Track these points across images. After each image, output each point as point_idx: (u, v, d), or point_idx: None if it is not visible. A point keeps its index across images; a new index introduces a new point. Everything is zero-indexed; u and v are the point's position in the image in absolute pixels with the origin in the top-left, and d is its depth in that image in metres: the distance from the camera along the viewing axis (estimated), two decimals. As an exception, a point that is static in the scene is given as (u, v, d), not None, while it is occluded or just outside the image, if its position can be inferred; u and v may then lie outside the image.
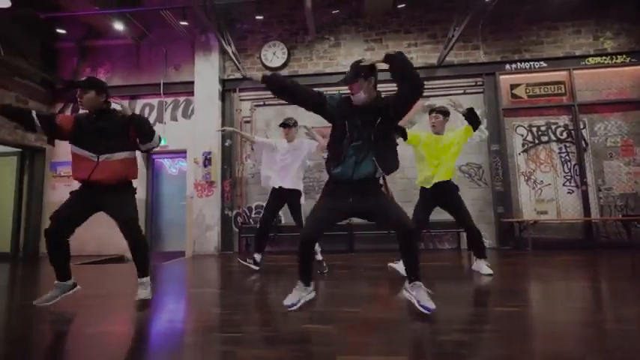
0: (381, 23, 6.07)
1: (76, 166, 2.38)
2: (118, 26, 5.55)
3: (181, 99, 6.25)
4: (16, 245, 6.00)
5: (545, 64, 5.68)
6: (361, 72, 1.98)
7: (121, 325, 2.14)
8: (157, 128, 6.17)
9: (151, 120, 6.28)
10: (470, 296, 2.53)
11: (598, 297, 2.52)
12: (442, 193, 3.21)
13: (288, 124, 3.74)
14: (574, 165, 5.48)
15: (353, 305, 2.29)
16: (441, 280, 3.04)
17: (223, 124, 6.05)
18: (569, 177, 5.48)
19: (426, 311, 1.86)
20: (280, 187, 3.57)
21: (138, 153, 2.59)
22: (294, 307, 2.03)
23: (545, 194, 5.50)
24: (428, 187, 3.22)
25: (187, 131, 6.06)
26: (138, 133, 2.40)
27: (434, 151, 3.22)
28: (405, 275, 2.13)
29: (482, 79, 5.78)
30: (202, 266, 4.57)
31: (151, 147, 2.49)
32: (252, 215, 5.94)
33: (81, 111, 2.57)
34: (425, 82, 6.33)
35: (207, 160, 5.73)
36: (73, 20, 5.89)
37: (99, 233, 5.96)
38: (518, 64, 5.72)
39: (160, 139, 2.53)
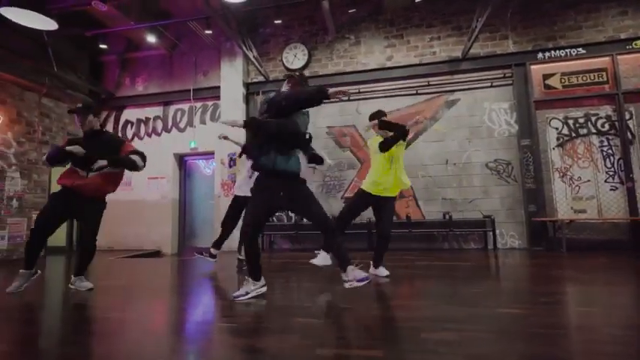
0: (402, 18, 5.97)
1: (66, 175, 2.65)
2: (152, 39, 6.01)
3: (209, 103, 6.61)
4: (70, 239, 6.72)
5: (583, 51, 5.24)
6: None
7: (131, 313, 2.36)
8: (188, 132, 6.65)
9: (182, 124, 6.71)
10: (478, 296, 2.45)
11: (619, 301, 2.32)
12: (384, 204, 3.07)
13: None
14: (618, 159, 5.00)
15: (348, 302, 2.33)
16: (454, 280, 2.97)
17: (248, 126, 6.30)
18: (612, 172, 5.01)
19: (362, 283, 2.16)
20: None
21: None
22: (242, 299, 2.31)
23: (584, 191, 5.08)
24: (374, 193, 3.02)
25: (215, 134, 6.38)
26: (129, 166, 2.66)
27: (388, 156, 3.03)
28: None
29: (512, 70, 5.46)
30: (225, 262, 4.83)
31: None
32: (275, 214, 6.13)
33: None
34: (449, 77, 6.12)
35: (232, 161, 6.01)
36: (114, 36, 6.47)
37: (138, 230, 6.52)
38: (552, 52, 5.33)
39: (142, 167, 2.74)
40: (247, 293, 2.31)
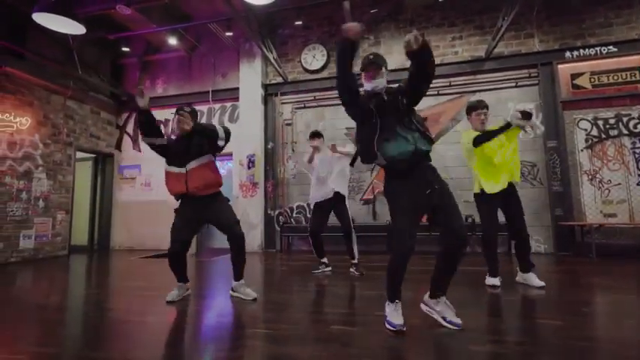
0: (423, 18, 5.87)
1: (171, 184, 2.63)
2: (172, 41, 6.07)
3: (228, 104, 6.64)
4: (92, 239, 6.86)
5: (614, 49, 5.04)
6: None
7: (164, 316, 2.36)
8: (207, 133, 6.68)
9: (202, 125, 6.76)
10: (514, 305, 2.37)
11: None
12: (506, 196, 2.96)
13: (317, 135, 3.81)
14: (651, 162, 4.80)
15: (381, 309, 2.28)
16: (485, 287, 2.88)
17: (266, 128, 6.32)
18: (645, 175, 4.82)
19: (454, 327, 1.83)
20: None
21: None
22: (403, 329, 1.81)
23: (614, 195, 4.89)
24: (493, 192, 2.91)
25: (233, 135, 6.38)
26: (207, 137, 2.59)
27: (494, 147, 2.89)
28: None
29: (537, 69, 5.31)
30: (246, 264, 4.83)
31: (222, 141, 2.62)
32: (294, 215, 6.12)
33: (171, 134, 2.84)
34: (472, 77, 5.95)
35: (251, 162, 6.02)
36: (134, 38, 6.56)
37: (158, 230, 6.60)
38: (581, 50, 5.15)
39: (223, 132, 2.64)
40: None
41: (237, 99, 6.39)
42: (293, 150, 6.20)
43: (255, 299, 2.58)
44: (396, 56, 5.92)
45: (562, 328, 1.85)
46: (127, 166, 7.01)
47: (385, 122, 1.91)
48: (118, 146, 7.07)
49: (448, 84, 5.62)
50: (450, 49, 5.71)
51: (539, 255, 4.94)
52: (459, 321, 1.84)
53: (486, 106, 3.00)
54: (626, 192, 4.87)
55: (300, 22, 5.73)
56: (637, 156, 4.87)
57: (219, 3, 5.60)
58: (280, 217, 6.13)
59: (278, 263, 4.78)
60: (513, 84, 5.41)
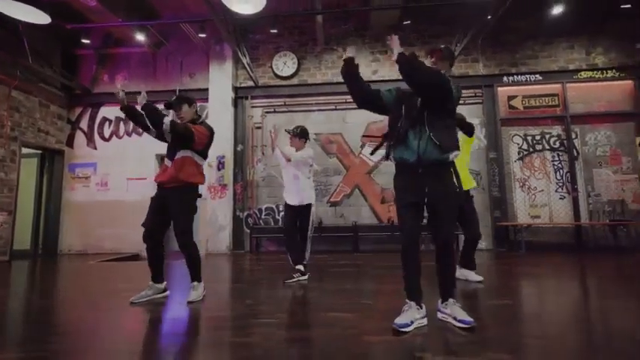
0: (387, 35, 6.39)
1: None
2: (138, 36, 5.84)
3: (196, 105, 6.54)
4: (36, 242, 6.28)
5: (540, 77, 6.04)
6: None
7: (144, 314, 2.44)
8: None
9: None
10: (467, 292, 2.86)
11: (580, 292, 2.87)
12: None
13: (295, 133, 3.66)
14: (566, 172, 5.84)
15: (366, 298, 2.62)
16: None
17: (236, 130, 6.37)
18: (561, 184, 5.84)
19: (465, 325, 1.83)
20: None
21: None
22: (406, 329, 1.80)
23: (539, 200, 5.86)
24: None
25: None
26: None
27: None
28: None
29: (482, 90, 6.13)
30: (218, 264, 4.88)
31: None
32: (263, 216, 6.26)
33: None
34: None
35: (220, 164, 6.04)
36: (93, 29, 6.17)
37: (116, 232, 6.27)
38: (515, 76, 6.08)
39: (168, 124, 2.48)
40: (412, 322, 1.84)
41: (206, 99, 6.35)
42: (263, 153, 6.34)
43: (191, 302, 2.53)
44: (363, 68, 6.32)
45: (510, 306, 2.35)
46: (79, 164, 6.54)
47: (404, 122, 1.96)
48: (70, 143, 6.57)
49: (408, 98, 6.22)
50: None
51: (481, 251, 5.72)
52: (469, 319, 1.84)
53: None
54: (547, 197, 5.86)
55: (275, 31, 5.91)
56: (555, 167, 5.89)
57: (189, 1, 5.56)
58: (249, 219, 6.23)
59: (248, 263, 4.91)
60: (462, 102, 6.16)
